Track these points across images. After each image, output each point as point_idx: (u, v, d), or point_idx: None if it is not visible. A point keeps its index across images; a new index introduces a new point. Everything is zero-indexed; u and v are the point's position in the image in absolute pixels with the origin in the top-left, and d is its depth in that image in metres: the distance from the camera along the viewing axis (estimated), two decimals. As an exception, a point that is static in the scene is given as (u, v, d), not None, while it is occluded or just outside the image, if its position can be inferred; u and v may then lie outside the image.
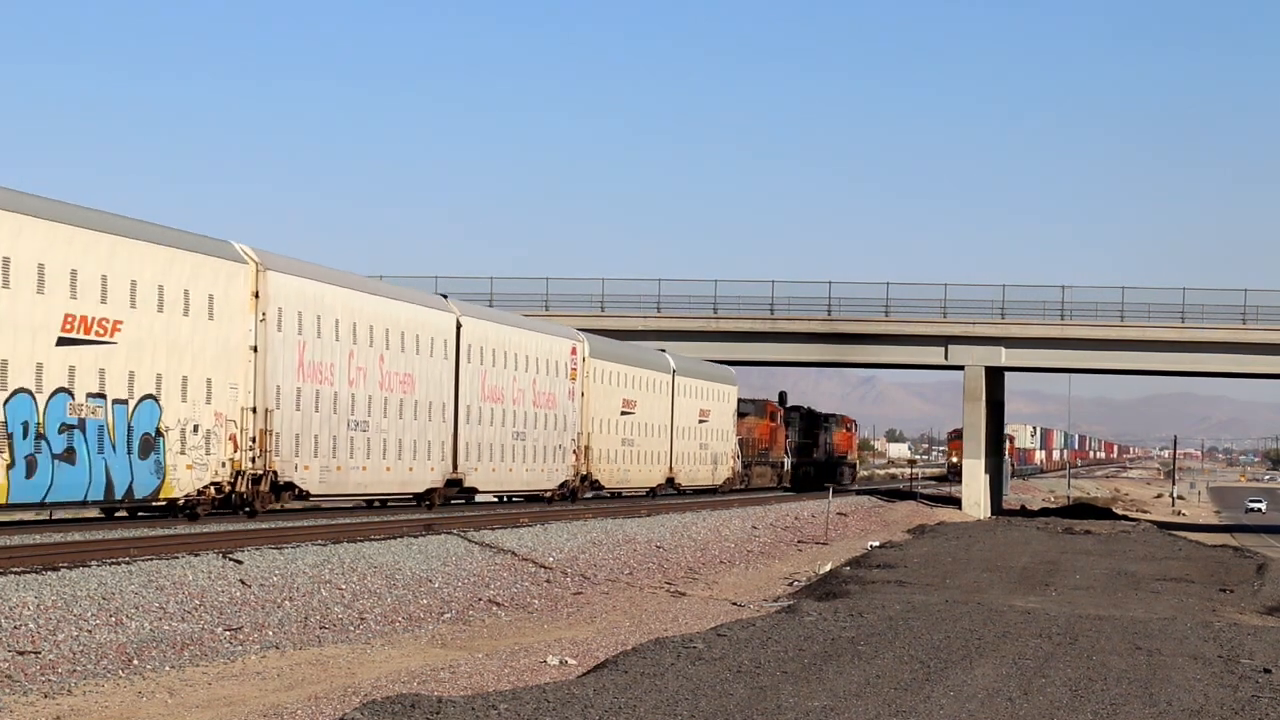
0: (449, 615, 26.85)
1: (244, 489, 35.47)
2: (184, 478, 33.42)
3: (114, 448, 31.17)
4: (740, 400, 78.40)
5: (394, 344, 42.27)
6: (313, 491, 38.60)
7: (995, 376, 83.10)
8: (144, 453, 32.18)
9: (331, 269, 41.45)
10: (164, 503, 33.61)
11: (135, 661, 19.62)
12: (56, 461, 29.62)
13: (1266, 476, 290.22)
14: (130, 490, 31.83)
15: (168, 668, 19.58)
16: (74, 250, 29.87)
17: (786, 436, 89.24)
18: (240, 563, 26.19)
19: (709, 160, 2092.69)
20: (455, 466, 46.51)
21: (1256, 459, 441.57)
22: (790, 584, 37.15)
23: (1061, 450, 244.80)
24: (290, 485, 37.40)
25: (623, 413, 60.55)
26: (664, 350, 68.65)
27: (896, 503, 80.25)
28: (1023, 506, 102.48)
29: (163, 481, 32.89)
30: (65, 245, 29.64)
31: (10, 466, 28.33)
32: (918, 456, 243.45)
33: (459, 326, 46.59)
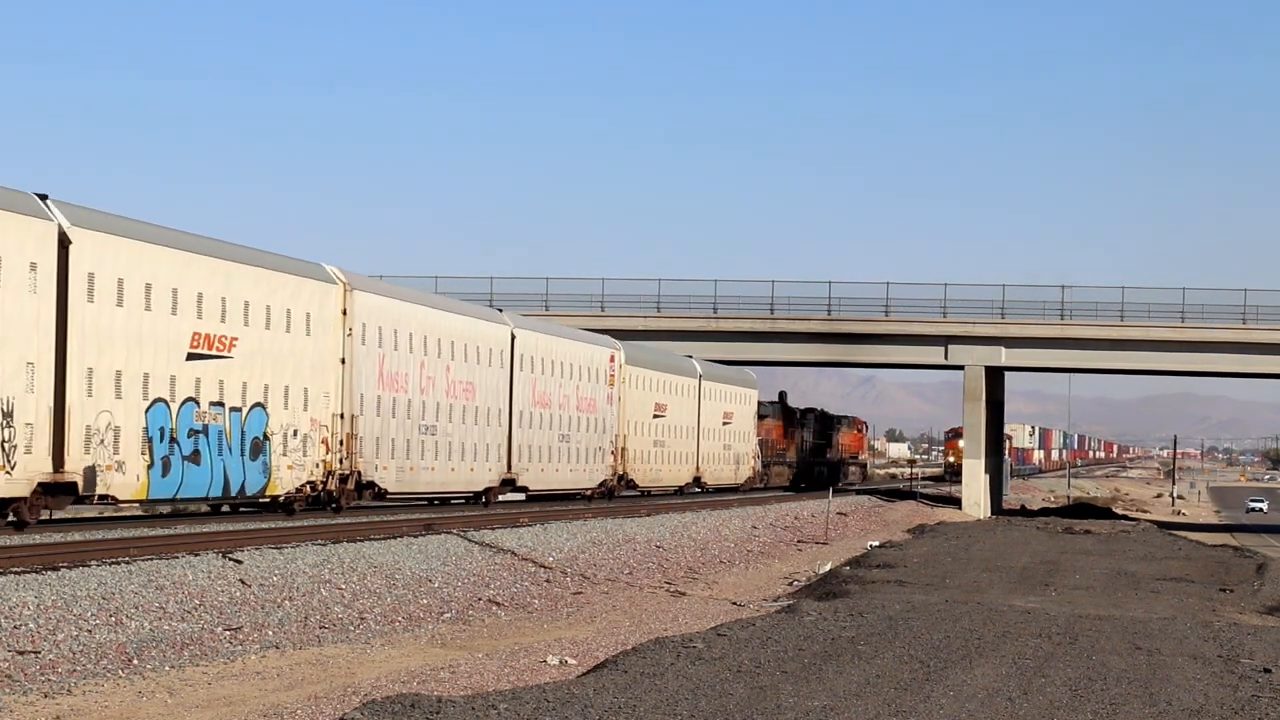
0: (449, 615, 26.85)
1: (333, 487, 39.79)
2: (285, 477, 37.84)
3: (230, 450, 35.52)
4: (760, 403, 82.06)
5: (458, 355, 46.74)
6: (390, 490, 42.72)
7: (995, 376, 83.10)
8: (254, 454, 36.45)
9: (405, 287, 47.02)
10: (268, 499, 37.98)
11: (135, 661, 19.62)
12: (186, 462, 33.91)
13: (1266, 476, 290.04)
14: (243, 488, 36.17)
15: (168, 668, 19.59)
16: (199, 276, 34.30)
17: (802, 437, 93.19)
18: (240, 563, 26.21)
19: (709, 160, 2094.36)
20: (509, 467, 50.81)
21: (1256, 459, 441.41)
22: (790, 584, 37.16)
23: (1060, 450, 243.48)
24: (371, 484, 41.52)
25: (655, 416, 64.78)
26: (690, 356, 72.81)
27: (896, 503, 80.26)
28: (1022, 506, 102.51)
29: (268, 480, 37.25)
30: (193, 271, 34.14)
31: (150, 466, 32.67)
32: (917, 456, 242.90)
33: (513, 338, 50.95)
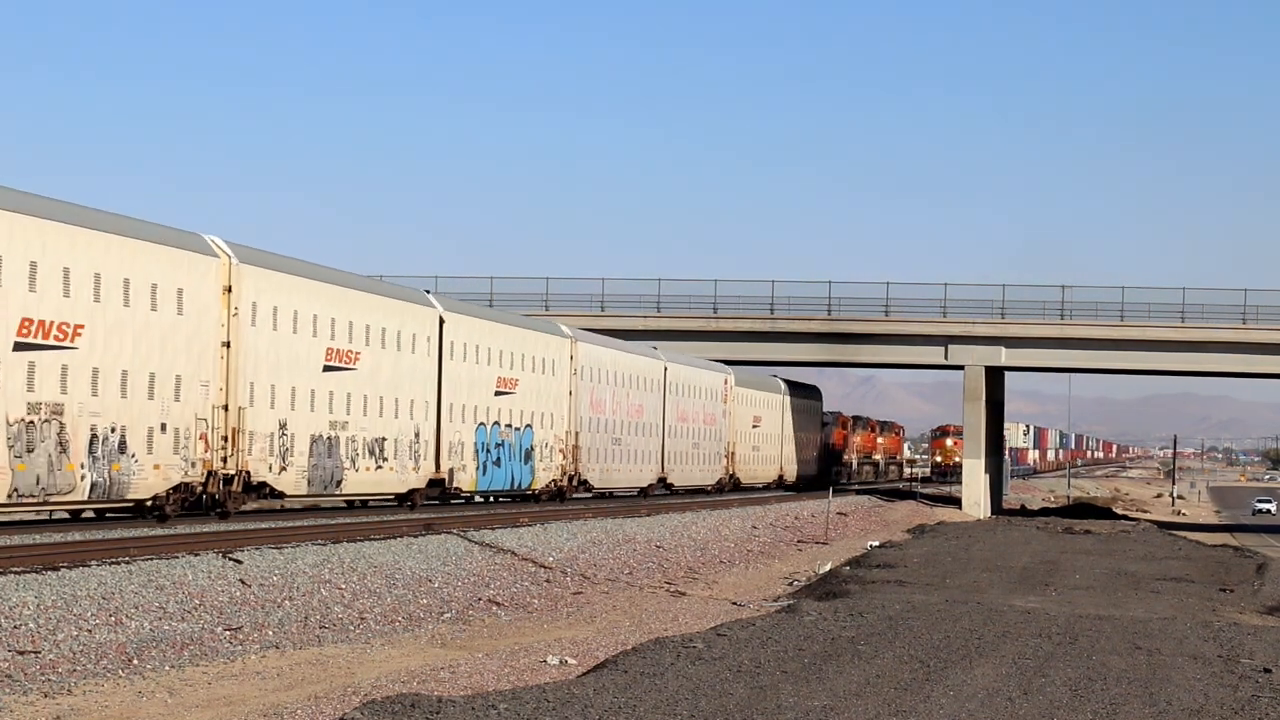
0: (449, 615, 26.85)
1: (564, 484, 55.35)
2: (541, 477, 53.73)
3: (514, 457, 51.18)
4: (823, 413, 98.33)
5: (632, 385, 62.77)
6: (595, 485, 58.85)
7: (995, 376, 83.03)
8: (525, 460, 52.16)
9: (607, 338, 62.59)
10: (531, 492, 52.78)
11: (135, 661, 19.61)
12: (494, 466, 49.66)
13: (1266, 476, 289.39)
14: (518, 484, 51.64)
15: (168, 667, 19.58)
16: (500, 337, 50.42)
17: (853, 441, 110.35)
18: (240, 563, 26.20)
19: (709, 160, 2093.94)
20: (663, 468, 67.02)
21: (1257, 459, 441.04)
22: (790, 584, 37.15)
23: (1057, 450, 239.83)
24: (585, 481, 57.70)
25: (753, 426, 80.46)
26: (776, 376, 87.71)
27: (896, 502, 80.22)
28: (1022, 506, 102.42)
29: (533, 479, 52.99)
30: (495, 335, 50.02)
31: (478, 468, 48.61)
32: (917, 456, 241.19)
33: (665, 370, 67.16)
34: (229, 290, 35.84)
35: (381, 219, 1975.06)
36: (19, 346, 29.53)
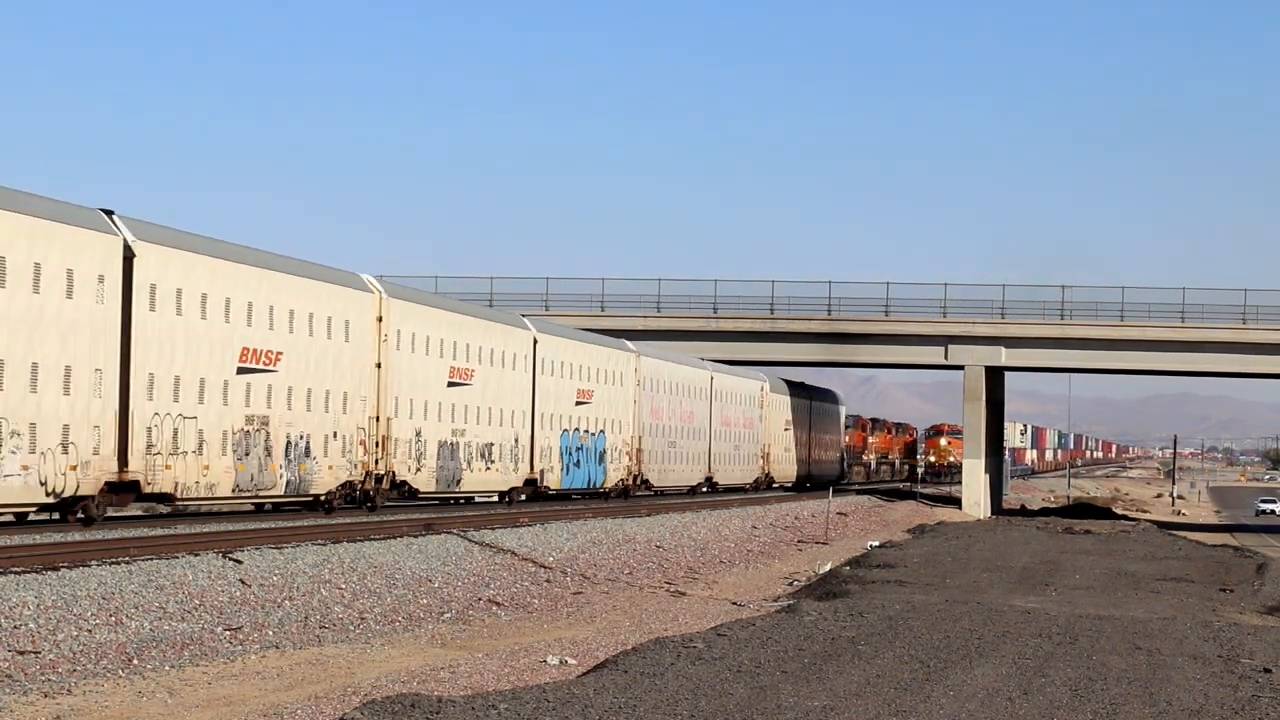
0: (449, 615, 26.85)
1: (628, 483, 62.80)
2: (612, 477, 61.51)
3: (590, 460, 58.81)
4: (845, 416, 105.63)
5: (684, 394, 69.79)
6: (655, 485, 66.36)
7: (995, 376, 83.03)
8: (600, 462, 59.70)
9: (663, 348, 70.33)
10: (604, 490, 60.31)
11: (135, 661, 19.61)
12: (574, 467, 57.22)
13: (1266, 476, 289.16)
14: (593, 483, 59.27)
15: (168, 667, 19.58)
16: (580, 354, 58.36)
17: (870, 442, 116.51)
18: (240, 563, 26.20)
19: (709, 160, 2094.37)
20: (709, 468, 73.80)
21: (1256, 459, 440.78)
22: (790, 584, 37.15)
23: (1055, 450, 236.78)
24: (646, 481, 65.03)
25: (784, 429, 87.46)
26: (781, 378, 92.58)
27: (896, 502, 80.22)
28: (1023, 506, 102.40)
29: (605, 479, 60.69)
30: (577, 353, 58.22)
31: (563, 470, 56.21)
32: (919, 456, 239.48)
33: (711, 380, 74.01)
34: (380, 320, 43.60)
35: (381, 218, 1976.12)
36: (240, 370, 37.30)
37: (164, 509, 39.58)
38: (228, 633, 22.03)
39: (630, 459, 63.17)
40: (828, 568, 40.67)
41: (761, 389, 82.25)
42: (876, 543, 51.49)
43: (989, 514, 79.64)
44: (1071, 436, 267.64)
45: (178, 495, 35.26)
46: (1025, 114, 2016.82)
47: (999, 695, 18.52)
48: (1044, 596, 32.87)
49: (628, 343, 64.48)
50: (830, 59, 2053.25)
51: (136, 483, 33.60)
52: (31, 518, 33.79)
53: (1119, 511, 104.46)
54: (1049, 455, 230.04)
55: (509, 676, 20.61)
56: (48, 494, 31.13)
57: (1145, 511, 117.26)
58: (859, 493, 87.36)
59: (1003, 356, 78.27)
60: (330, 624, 24.18)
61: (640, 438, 64.02)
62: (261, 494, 38.25)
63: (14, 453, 30.00)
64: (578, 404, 57.58)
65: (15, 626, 19.78)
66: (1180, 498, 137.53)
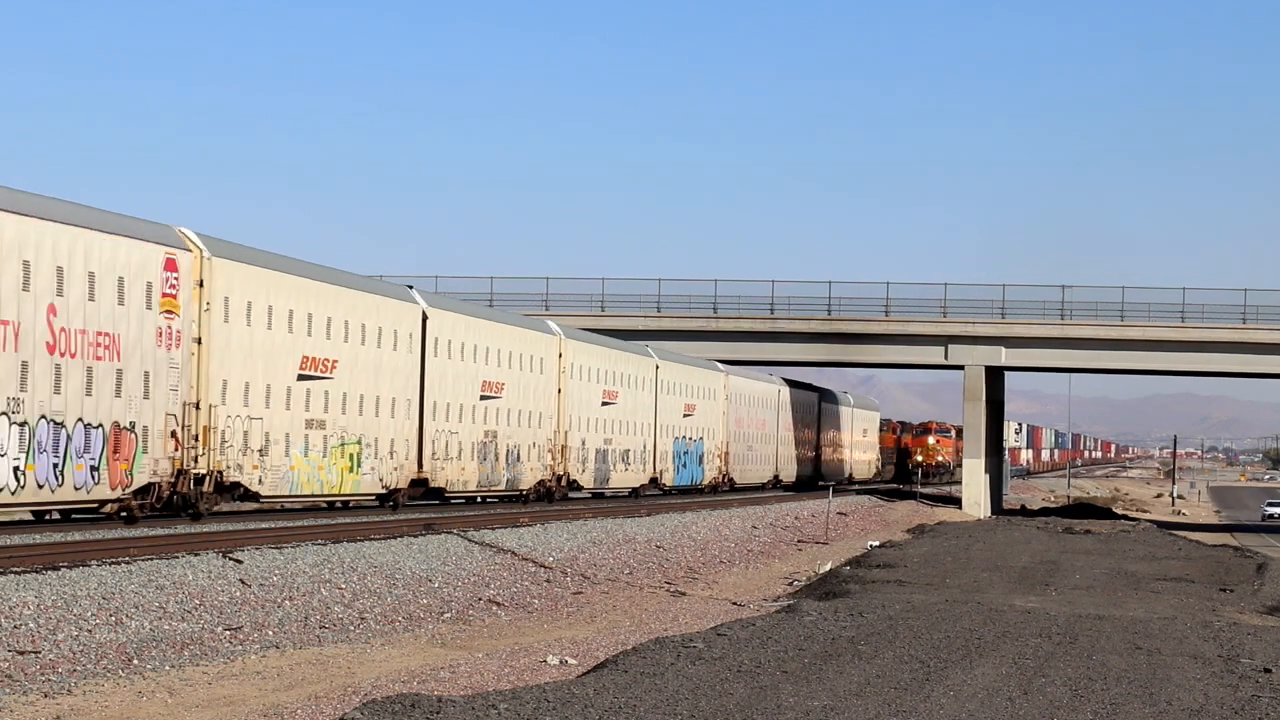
0: (449, 615, 26.85)
1: (720, 481, 74.70)
2: (708, 476, 73.01)
3: (693, 462, 70.95)
4: (880, 420, 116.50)
5: (759, 405, 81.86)
6: (738, 482, 77.63)
7: (995, 376, 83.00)
8: (699, 464, 71.86)
9: (748, 368, 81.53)
10: (702, 487, 71.91)
11: (135, 661, 19.61)
12: (682, 469, 69.14)
13: (1266, 476, 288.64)
14: (695, 481, 71.03)
15: (168, 667, 19.58)
16: (687, 375, 70.28)
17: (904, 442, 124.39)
18: (240, 562, 26.20)
19: (709, 160, 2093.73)
20: (776, 468, 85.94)
21: (1257, 459, 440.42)
22: (790, 584, 37.15)
23: (1052, 450, 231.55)
24: (731, 480, 76.53)
25: (833, 431, 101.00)
26: (846, 392, 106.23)
27: (896, 502, 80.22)
28: (1023, 506, 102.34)
29: (703, 478, 72.51)
30: (685, 375, 69.86)
31: (674, 470, 68.15)
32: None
33: (779, 393, 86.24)
34: (560, 356, 55.65)
35: (380, 218, 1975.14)
36: (483, 397, 49.03)
37: (436, 501, 48.47)
38: (228, 633, 22.03)
39: (721, 460, 75.30)
40: (828, 568, 40.66)
41: (818, 399, 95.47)
42: (876, 543, 51.49)
43: (989, 514, 79.59)
44: (1069, 436, 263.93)
45: (448, 489, 47.20)
46: (1025, 114, 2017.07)
47: (999, 695, 18.52)
48: (1044, 596, 32.86)
49: (718, 364, 75.44)
50: (830, 58, 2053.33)
51: (426, 480, 45.52)
52: (351, 504, 43.00)
53: (1119, 511, 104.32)
54: (1045, 455, 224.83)
55: (509, 676, 20.61)
56: (382, 488, 43.06)
57: (1145, 511, 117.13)
58: (859, 493, 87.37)
59: (1003, 356, 78.25)
60: (330, 624, 24.18)
61: (728, 443, 76.08)
62: (493, 489, 50.46)
63: (368, 459, 42.00)
64: (684, 416, 69.92)
65: (15, 626, 19.77)
66: (1180, 498, 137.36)
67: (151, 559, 25.23)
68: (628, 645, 23.04)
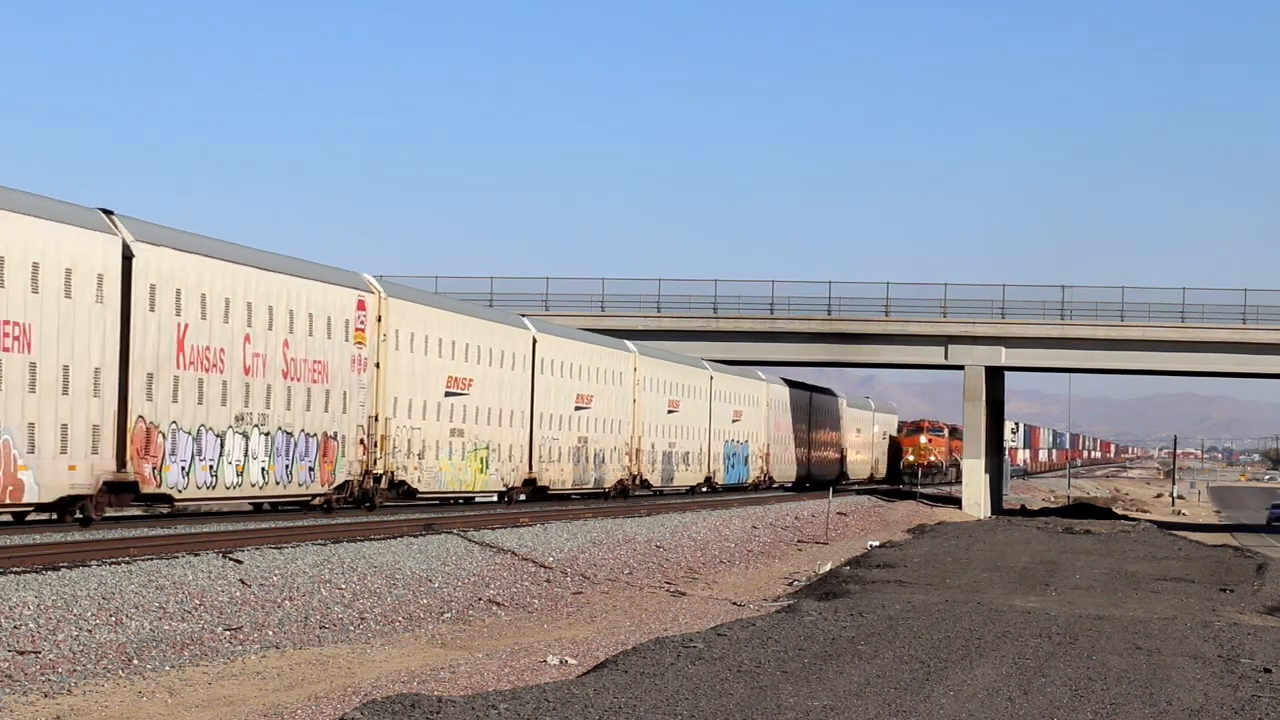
0: (449, 615, 26.85)
1: (761, 480, 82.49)
2: (752, 475, 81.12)
3: (740, 463, 78.63)
4: (899, 422, 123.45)
5: (792, 410, 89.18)
6: (776, 480, 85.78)
7: (995, 376, 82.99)
8: (745, 464, 79.86)
9: (776, 377, 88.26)
10: (746, 485, 79.93)
11: (135, 661, 19.61)
12: (730, 469, 76.76)
13: (1266, 476, 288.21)
14: (741, 480, 78.95)
15: (168, 667, 19.58)
16: (736, 385, 78.04)
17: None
18: (240, 563, 26.20)
19: (709, 161, 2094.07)
20: (808, 468, 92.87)
21: (1256, 459, 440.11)
22: (790, 584, 37.14)
23: (1050, 450, 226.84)
24: (771, 478, 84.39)
25: (855, 434, 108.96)
26: (868, 398, 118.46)
27: (896, 502, 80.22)
28: (1023, 506, 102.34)
29: (748, 477, 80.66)
30: (733, 384, 77.55)
31: (725, 470, 75.70)
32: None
33: (810, 399, 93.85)
34: (635, 370, 64.23)
35: (380, 218, 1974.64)
36: (576, 408, 57.66)
37: (542, 497, 55.70)
38: (228, 633, 22.03)
39: (763, 461, 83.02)
40: (828, 568, 40.66)
41: (841, 404, 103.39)
42: (876, 543, 51.49)
43: (989, 514, 79.58)
44: (1068, 436, 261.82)
45: (550, 488, 55.41)
46: (1025, 113, 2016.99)
47: (999, 695, 18.52)
48: (1044, 596, 32.86)
49: (759, 371, 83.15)
50: (830, 59, 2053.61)
51: (534, 479, 54.01)
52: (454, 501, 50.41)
53: (1119, 511, 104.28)
54: (1043, 455, 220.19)
55: (509, 676, 20.61)
56: (502, 485, 51.56)
57: (1145, 511, 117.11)
58: (859, 493, 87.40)
59: (1003, 356, 78.24)
60: (330, 624, 24.18)
61: (769, 445, 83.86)
62: (583, 487, 58.74)
63: (493, 462, 50.40)
64: (733, 422, 77.22)
65: (15, 626, 19.78)
66: (1180, 498, 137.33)
67: (151, 559, 25.23)
68: (628, 645, 23.04)
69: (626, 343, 64.70)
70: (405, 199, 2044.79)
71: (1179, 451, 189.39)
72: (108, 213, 33.03)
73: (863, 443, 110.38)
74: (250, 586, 24.86)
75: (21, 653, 18.86)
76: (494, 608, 28.19)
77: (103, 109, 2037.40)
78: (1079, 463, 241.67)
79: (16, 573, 22.39)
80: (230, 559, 26.32)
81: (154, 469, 33.62)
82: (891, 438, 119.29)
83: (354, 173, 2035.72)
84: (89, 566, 23.77)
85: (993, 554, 45.57)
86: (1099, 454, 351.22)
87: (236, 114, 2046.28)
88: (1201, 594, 34.89)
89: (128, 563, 24.51)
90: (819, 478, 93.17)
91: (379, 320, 42.96)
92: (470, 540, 34.39)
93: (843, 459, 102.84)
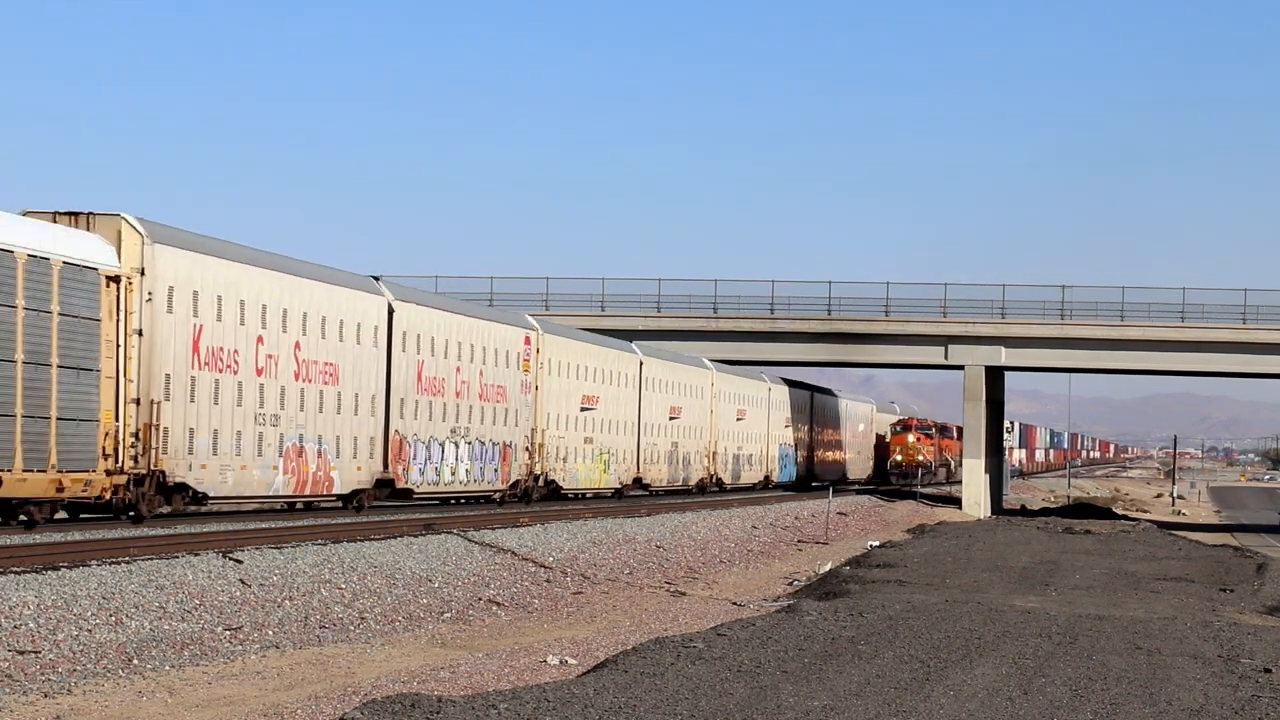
0: (449, 615, 26.85)
1: (806, 478, 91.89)
2: (798, 474, 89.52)
3: (790, 463, 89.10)
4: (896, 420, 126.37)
5: (834, 415, 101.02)
6: (819, 478, 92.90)
7: (995, 376, 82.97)
8: (792, 464, 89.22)
9: (814, 383, 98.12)
10: (792, 483, 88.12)
11: (135, 661, 19.61)
12: (783, 469, 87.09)
13: (1266, 476, 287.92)
14: (791, 478, 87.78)
15: (168, 667, 19.58)
16: (788, 396, 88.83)
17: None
18: (240, 562, 26.21)
19: (710, 161, 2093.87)
20: (846, 469, 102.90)
21: (1256, 459, 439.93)
22: (790, 584, 37.15)
23: (1047, 450, 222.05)
24: (815, 476, 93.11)
25: (865, 435, 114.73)
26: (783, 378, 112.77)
27: (896, 502, 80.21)
28: (1023, 506, 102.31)
29: (795, 475, 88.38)
30: (789, 396, 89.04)
31: (779, 469, 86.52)
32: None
33: (845, 405, 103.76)
34: (711, 385, 74.44)
35: (380, 218, 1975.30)
36: (670, 418, 68.27)
37: (645, 493, 66.28)
38: (228, 633, 22.04)
39: (798, 465, 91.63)
40: (828, 567, 40.66)
41: (871, 410, 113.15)
42: (876, 543, 51.49)
43: (989, 514, 79.56)
44: (1066, 435, 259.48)
45: (652, 485, 66.73)
46: (1024, 113, 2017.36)
47: (999, 695, 18.53)
48: (1044, 596, 32.86)
49: (767, 379, 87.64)
50: (830, 59, 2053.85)
51: (640, 479, 64.70)
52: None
53: (1119, 511, 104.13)
54: (1039, 455, 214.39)
55: (509, 676, 20.61)
56: (618, 484, 62.53)
57: (1145, 511, 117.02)
58: (859, 492, 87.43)
59: (1003, 356, 78.23)
60: (330, 624, 24.19)
61: (812, 447, 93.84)
62: (673, 485, 69.28)
63: (612, 464, 61.15)
64: (785, 427, 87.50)
65: (15, 626, 19.78)
66: (1180, 498, 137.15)
67: (151, 559, 25.24)
68: (628, 645, 23.04)
69: (704, 360, 73.99)
70: (405, 198, 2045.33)
71: (1179, 451, 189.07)
72: (376, 278, 44.48)
73: (862, 443, 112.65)
74: (250, 586, 24.86)
75: (21, 652, 18.87)
76: (494, 608, 28.20)
77: (103, 109, 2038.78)
78: (1079, 462, 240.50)
79: (16, 572, 22.39)
80: (230, 559, 26.33)
81: (404, 470, 44.21)
82: (879, 436, 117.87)
83: (354, 172, 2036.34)
84: (89, 566, 23.77)
85: (993, 554, 45.57)
86: (1098, 454, 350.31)
87: (236, 114, 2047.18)
88: (1201, 594, 34.89)
89: (128, 562, 24.52)
90: (822, 478, 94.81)
91: (537, 352, 53.74)
92: (470, 540, 34.40)
93: (844, 459, 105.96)
